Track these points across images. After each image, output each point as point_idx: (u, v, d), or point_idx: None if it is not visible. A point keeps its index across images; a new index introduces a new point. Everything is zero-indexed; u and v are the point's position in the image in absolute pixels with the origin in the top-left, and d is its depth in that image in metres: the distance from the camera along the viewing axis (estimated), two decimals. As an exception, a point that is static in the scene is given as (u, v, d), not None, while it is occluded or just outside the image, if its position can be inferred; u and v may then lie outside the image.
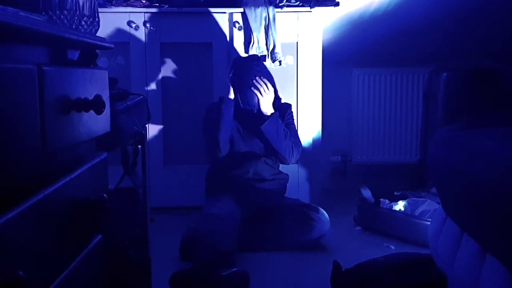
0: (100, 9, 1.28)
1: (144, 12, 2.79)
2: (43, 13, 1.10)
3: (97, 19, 1.21)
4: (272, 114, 2.45)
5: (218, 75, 2.87)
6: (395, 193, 2.75)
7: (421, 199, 2.60)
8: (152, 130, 2.86)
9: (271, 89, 2.47)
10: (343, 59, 3.29)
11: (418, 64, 3.31)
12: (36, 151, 0.76)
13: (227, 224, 2.17)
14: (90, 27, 1.19)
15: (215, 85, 2.88)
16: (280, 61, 2.81)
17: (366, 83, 3.33)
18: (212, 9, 2.82)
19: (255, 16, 2.77)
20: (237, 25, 2.83)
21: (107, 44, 1.07)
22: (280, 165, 2.58)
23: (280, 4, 2.81)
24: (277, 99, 2.54)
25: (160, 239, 2.29)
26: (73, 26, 1.14)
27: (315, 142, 2.93)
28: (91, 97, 0.93)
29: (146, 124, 1.67)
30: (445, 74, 2.81)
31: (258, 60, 2.52)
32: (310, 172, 2.95)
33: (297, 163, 2.75)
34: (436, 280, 1.59)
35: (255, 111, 2.48)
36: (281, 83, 2.65)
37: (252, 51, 2.78)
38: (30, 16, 0.84)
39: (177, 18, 2.82)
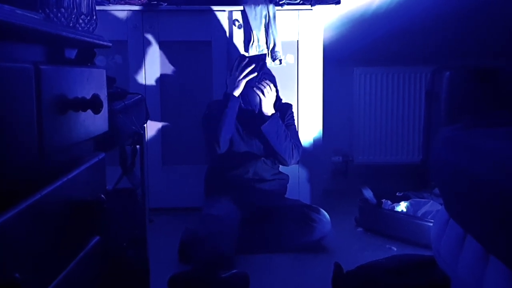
0: (98, 7, 1.27)
1: (143, 10, 2.77)
2: (40, 11, 1.09)
3: (94, 17, 1.20)
4: (272, 114, 2.43)
5: (218, 74, 2.86)
6: (397, 193, 2.74)
7: (423, 200, 2.59)
8: (151, 129, 2.85)
9: (274, 90, 2.46)
10: (345, 58, 3.27)
11: (420, 63, 3.30)
12: (33, 151, 0.75)
13: (226, 225, 2.16)
14: (88, 25, 1.17)
15: (215, 84, 2.87)
16: (280, 60, 2.80)
17: (368, 82, 3.31)
18: (211, 7, 2.81)
19: (255, 14, 2.76)
20: (236, 23, 2.82)
21: (105, 43, 1.07)
22: (280, 165, 2.57)
23: (281, 2, 2.80)
24: (277, 99, 2.53)
25: (159, 240, 2.29)
26: (71, 25, 1.13)
27: (316, 142, 2.92)
28: (88, 96, 0.93)
29: (144, 123, 1.67)
30: (448, 73, 2.79)
31: (263, 60, 2.50)
32: (311, 173, 2.94)
33: (297, 164, 2.73)
34: (439, 283, 1.58)
35: (256, 111, 2.47)
36: (281, 82, 2.63)
37: (252, 50, 2.77)
38: (27, 14, 0.83)
39: (175, 16, 2.81)
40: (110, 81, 1.38)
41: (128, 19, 2.78)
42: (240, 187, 2.43)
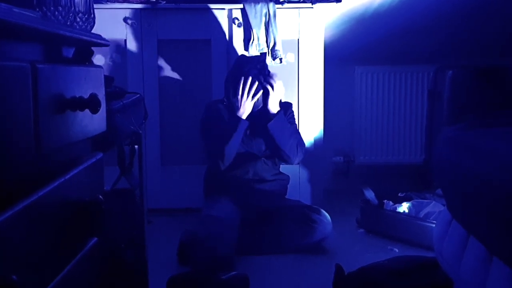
0: (95, 5, 1.26)
1: (141, 8, 2.76)
2: (37, 9, 1.08)
3: (92, 15, 1.19)
4: (278, 112, 2.41)
5: (217, 73, 2.84)
6: (399, 194, 2.73)
7: (425, 200, 2.57)
8: (149, 129, 2.83)
9: (282, 85, 2.43)
10: (346, 56, 3.26)
11: (422, 61, 3.29)
12: (30, 151, 0.75)
13: (226, 226, 2.15)
14: (85, 24, 1.16)
15: (214, 83, 2.86)
16: (280, 59, 2.79)
17: (369, 81, 3.30)
18: (210, 5, 2.80)
19: (255, 13, 2.75)
20: (236, 21, 2.80)
21: (102, 41, 1.07)
22: (281, 165, 2.56)
23: (281, 0, 2.79)
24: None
25: (158, 241, 2.28)
26: (68, 23, 1.12)
27: (317, 142, 2.91)
28: (86, 96, 0.93)
29: (143, 123, 1.66)
30: (451, 71, 2.78)
31: (263, 61, 2.49)
32: (312, 173, 2.92)
33: (298, 164, 2.72)
34: (441, 284, 1.57)
35: (259, 109, 2.45)
36: (282, 81, 2.62)
37: (252, 48, 2.75)
38: (24, 12, 0.84)
39: (174, 14, 2.80)
40: (108, 80, 1.37)
41: (126, 17, 2.76)
42: (240, 187, 2.42)
